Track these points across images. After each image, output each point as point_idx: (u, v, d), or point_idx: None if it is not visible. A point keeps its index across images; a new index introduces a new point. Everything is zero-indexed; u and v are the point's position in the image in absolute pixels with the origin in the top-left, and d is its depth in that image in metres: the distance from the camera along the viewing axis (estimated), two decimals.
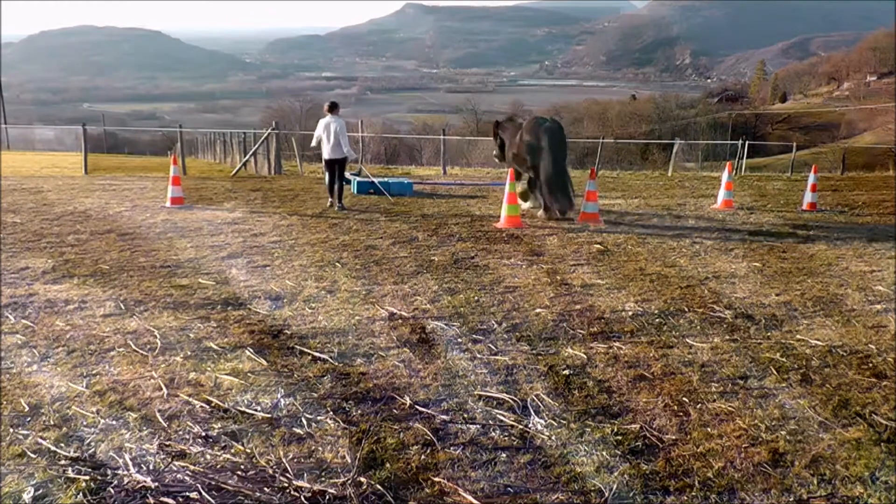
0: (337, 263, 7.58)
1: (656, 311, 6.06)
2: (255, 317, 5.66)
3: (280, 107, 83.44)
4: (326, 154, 11.41)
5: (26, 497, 3.12)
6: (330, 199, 11.62)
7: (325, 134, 11.34)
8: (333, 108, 11.51)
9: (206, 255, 7.85)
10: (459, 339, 5.23)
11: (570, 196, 10.73)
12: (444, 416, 3.97)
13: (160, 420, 3.85)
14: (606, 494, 3.23)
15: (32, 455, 3.46)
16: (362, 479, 3.28)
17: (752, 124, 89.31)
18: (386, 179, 14.24)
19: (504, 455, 3.58)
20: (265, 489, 3.18)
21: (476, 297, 6.36)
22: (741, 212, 12.15)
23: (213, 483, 3.20)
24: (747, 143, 29.45)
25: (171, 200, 11.34)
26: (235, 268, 7.28)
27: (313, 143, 11.75)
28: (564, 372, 4.66)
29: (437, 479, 3.33)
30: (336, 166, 11.37)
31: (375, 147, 43.79)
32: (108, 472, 3.32)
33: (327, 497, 3.15)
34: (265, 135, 20.43)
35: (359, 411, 4.02)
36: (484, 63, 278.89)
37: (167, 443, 3.61)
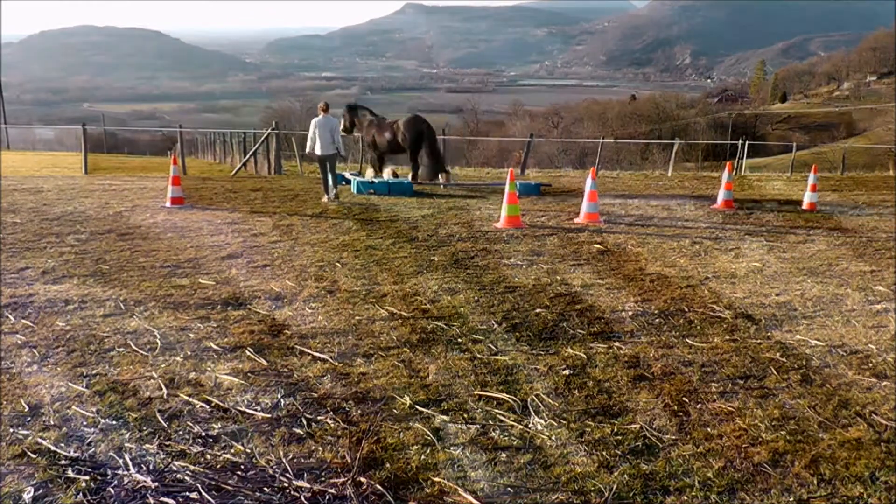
0: (337, 263, 7.58)
1: (656, 311, 6.06)
2: (255, 317, 5.66)
3: (280, 107, 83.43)
4: (319, 151, 12.30)
5: (26, 497, 3.12)
6: (326, 196, 12.34)
7: (320, 132, 12.20)
8: (328, 108, 12.54)
9: (206, 255, 7.84)
10: (459, 339, 5.23)
11: (447, 171, 14.83)
12: (444, 416, 3.97)
13: (160, 420, 3.85)
14: (606, 494, 3.23)
15: (32, 455, 3.46)
16: (362, 479, 3.28)
17: (752, 124, 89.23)
18: (386, 179, 14.27)
19: (504, 455, 3.58)
20: (265, 489, 3.18)
21: (476, 297, 6.36)
22: (741, 212, 12.15)
23: (213, 483, 3.20)
24: (747, 143, 29.43)
25: (171, 200, 11.35)
26: (235, 268, 7.28)
27: (308, 145, 12.56)
28: (564, 372, 4.66)
29: (437, 479, 3.33)
30: (327, 162, 12.30)
31: None
32: (108, 472, 3.32)
33: (327, 497, 3.15)
34: (265, 135, 20.44)
35: (359, 411, 4.02)
36: (484, 63, 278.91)
37: (167, 443, 3.61)
